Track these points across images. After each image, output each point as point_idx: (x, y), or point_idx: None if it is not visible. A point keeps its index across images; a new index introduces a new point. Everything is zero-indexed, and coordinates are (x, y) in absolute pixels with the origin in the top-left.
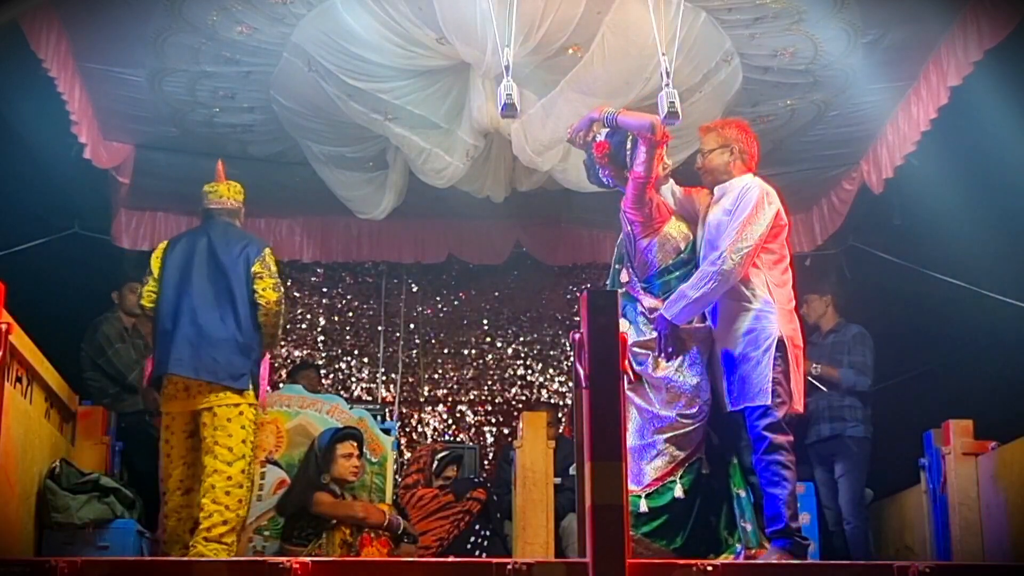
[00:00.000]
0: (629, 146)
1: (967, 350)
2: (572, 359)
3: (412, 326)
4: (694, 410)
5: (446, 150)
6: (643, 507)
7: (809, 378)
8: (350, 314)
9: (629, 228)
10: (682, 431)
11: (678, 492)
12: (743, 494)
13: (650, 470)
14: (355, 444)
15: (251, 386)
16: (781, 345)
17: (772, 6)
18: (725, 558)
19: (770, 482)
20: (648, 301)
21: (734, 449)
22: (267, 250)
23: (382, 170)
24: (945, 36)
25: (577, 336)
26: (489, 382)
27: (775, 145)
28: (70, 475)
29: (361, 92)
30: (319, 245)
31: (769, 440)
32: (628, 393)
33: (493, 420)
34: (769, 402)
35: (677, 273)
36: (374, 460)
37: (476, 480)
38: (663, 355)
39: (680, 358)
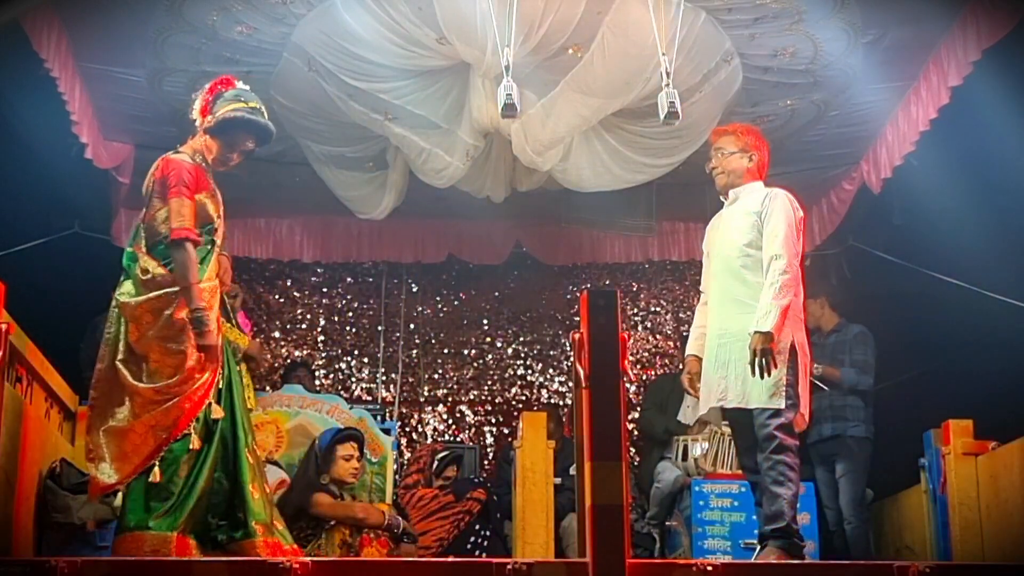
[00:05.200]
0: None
1: (967, 350)
2: (572, 359)
3: (412, 326)
4: (174, 380)
5: (446, 150)
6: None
7: (811, 379)
8: (350, 314)
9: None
10: (161, 408)
11: (153, 477)
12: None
13: (134, 456)
14: (355, 445)
15: None
16: (793, 351)
17: (772, 6)
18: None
19: (775, 481)
20: (151, 264)
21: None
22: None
23: (382, 170)
24: (945, 36)
25: (577, 336)
26: (489, 382)
27: (775, 145)
28: (70, 475)
29: (361, 92)
30: (319, 245)
31: (779, 440)
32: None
33: (493, 420)
34: (782, 405)
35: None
36: (374, 460)
37: (476, 480)
38: (768, 370)
39: (168, 332)
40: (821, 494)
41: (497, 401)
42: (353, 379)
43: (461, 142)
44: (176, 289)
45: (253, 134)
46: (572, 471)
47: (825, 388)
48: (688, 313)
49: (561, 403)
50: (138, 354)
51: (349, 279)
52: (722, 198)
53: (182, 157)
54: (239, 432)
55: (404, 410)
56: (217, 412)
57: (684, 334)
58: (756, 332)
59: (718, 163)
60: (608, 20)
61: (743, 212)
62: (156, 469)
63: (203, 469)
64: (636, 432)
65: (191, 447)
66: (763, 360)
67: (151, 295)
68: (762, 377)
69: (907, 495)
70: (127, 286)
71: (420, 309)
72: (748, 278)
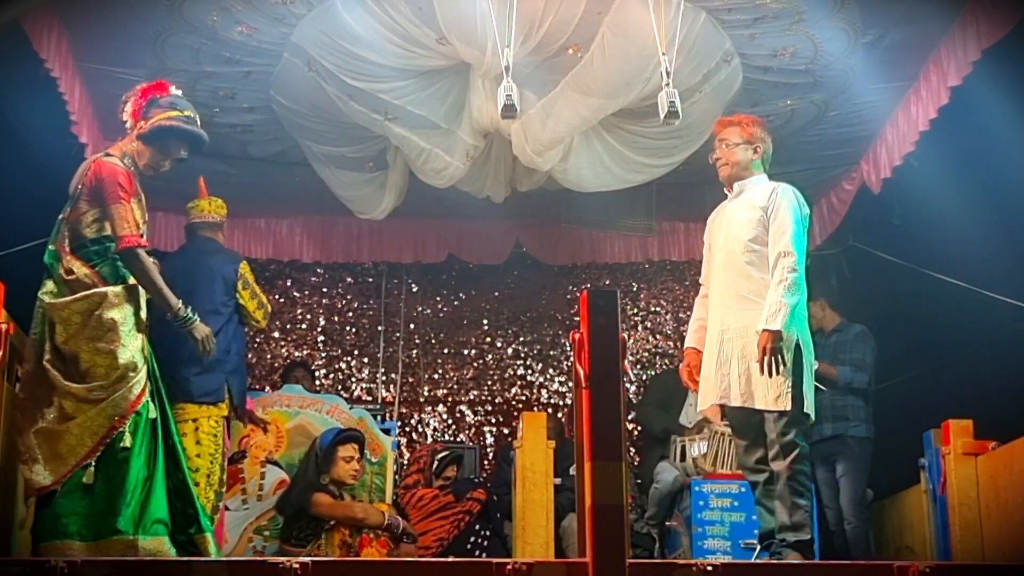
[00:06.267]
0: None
1: (967, 350)
2: (572, 359)
3: (412, 326)
4: (108, 379)
5: (446, 150)
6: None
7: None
8: (350, 314)
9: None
10: (96, 408)
11: (87, 478)
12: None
13: (70, 457)
14: (356, 447)
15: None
16: (798, 349)
17: (772, 6)
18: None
19: (796, 491)
20: (75, 264)
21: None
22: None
23: (382, 170)
24: (945, 36)
25: (577, 336)
26: (489, 382)
27: (775, 145)
28: None
29: (361, 92)
30: (319, 245)
31: (799, 449)
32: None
33: (493, 420)
34: (790, 407)
35: (108, 245)
36: (374, 460)
37: (476, 480)
38: (776, 369)
39: (97, 332)
40: (821, 494)
41: (497, 401)
42: (353, 379)
43: (461, 142)
44: (104, 289)
45: (187, 143)
46: (572, 471)
47: (823, 388)
48: (688, 313)
49: (561, 403)
50: (67, 355)
51: (349, 279)
52: (726, 191)
53: (114, 161)
54: (171, 427)
55: (404, 410)
56: (152, 411)
57: (684, 334)
58: (765, 330)
59: (722, 154)
60: (608, 20)
61: (748, 206)
62: (91, 470)
63: (156, 471)
64: (636, 432)
65: (124, 445)
66: (772, 359)
67: (77, 296)
68: (770, 376)
69: (907, 495)
70: (50, 285)
71: (420, 309)
72: (753, 274)
